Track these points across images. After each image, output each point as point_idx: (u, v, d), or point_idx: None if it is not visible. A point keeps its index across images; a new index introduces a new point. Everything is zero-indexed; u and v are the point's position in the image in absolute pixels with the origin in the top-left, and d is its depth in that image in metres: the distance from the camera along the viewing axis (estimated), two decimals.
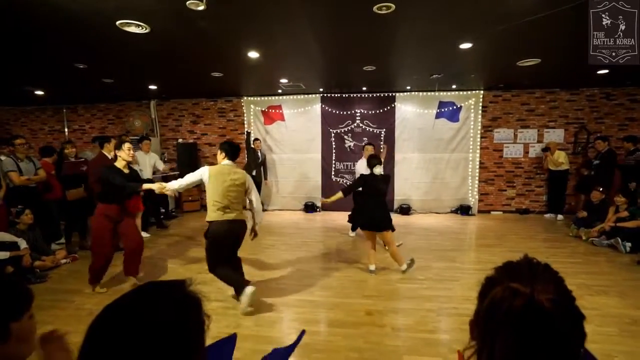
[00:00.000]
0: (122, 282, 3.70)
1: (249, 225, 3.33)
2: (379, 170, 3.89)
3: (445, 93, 7.11)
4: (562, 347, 0.57)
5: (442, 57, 4.75)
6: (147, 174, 5.80)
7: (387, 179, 4.06)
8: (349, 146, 7.49)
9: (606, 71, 5.47)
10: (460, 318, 2.88)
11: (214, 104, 7.98)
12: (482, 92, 7.06)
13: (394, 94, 7.24)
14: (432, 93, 7.10)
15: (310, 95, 7.43)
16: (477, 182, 7.31)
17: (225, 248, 3.15)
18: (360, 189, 3.99)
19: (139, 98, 7.95)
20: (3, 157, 4.34)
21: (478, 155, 7.25)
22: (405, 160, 7.38)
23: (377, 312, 3.03)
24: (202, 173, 3.15)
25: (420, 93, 7.18)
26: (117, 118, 8.34)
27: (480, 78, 6.21)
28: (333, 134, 7.54)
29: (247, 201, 3.37)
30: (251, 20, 3.41)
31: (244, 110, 7.82)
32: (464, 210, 7.22)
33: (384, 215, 3.82)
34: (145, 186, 3.35)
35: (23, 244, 3.74)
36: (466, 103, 7.13)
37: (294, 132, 7.63)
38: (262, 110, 7.71)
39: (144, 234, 5.61)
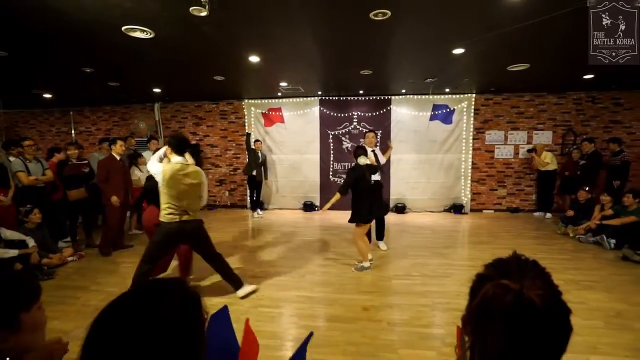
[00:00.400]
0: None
1: None
2: (363, 160, 3.89)
3: (439, 96, 7.29)
4: (550, 340, 0.59)
5: (436, 62, 4.88)
6: None
7: (374, 168, 4.06)
8: (347, 147, 7.63)
9: (592, 76, 5.66)
10: (454, 313, 2.96)
11: (216, 107, 8.12)
12: (474, 95, 7.25)
13: (389, 97, 7.41)
14: (427, 96, 7.26)
15: (309, 98, 7.57)
16: (469, 181, 7.50)
17: (168, 247, 3.10)
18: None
19: (144, 101, 8.06)
20: (12, 158, 4.43)
21: (470, 156, 7.45)
22: (400, 161, 7.55)
23: (374, 307, 3.11)
24: (157, 173, 2.96)
25: (415, 96, 7.35)
26: (122, 120, 8.44)
27: (473, 82, 6.38)
28: (331, 136, 7.69)
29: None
30: (252, 26, 3.49)
31: (245, 113, 7.95)
32: (457, 209, 7.41)
33: (383, 202, 3.95)
34: None
35: (31, 242, 3.82)
36: (459, 106, 7.31)
37: (293, 133, 7.77)
38: (262, 113, 7.84)
39: (137, 232, 5.75)
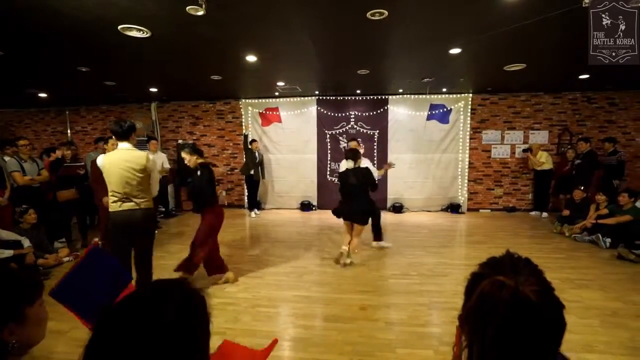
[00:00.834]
0: None
1: None
2: (344, 164, 4.17)
3: (436, 96, 7.31)
4: (546, 334, 0.60)
5: (433, 61, 4.90)
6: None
7: (358, 172, 4.06)
8: (344, 147, 7.62)
9: (587, 76, 5.70)
10: (451, 312, 2.95)
11: (213, 106, 8.10)
12: (471, 95, 7.29)
13: (387, 97, 7.42)
14: (424, 96, 7.29)
15: (306, 98, 7.57)
16: (466, 181, 7.53)
17: (122, 240, 2.90)
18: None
19: (140, 100, 8.03)
20: (7, 158, 4.39)
21: (467, 155, 7.48)
22: (397, 161, 7.48)
23: (371, 307, 3.11)
24: (98, 162, 2.87)
25: (412, 96, 7.37)
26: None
27: (469, 82, 6.41)
28: (328, 135, 7.69)
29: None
30: (249, 26, 3.49)
31: (242, 112, 7.94)
32: (454, 208, 7.44)
33: (359, 209, 4.06)
34: None
35: (26, 242, 3.80)
36: (456, 106, 7.34)
37: (290, 133, 7.77)
38: (259, 112, 7.83)
39: None
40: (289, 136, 7.80)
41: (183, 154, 3.47)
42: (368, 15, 3.21)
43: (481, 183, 7.60)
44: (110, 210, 2.84)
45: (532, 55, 4.54)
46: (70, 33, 3.54)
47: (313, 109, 7.64)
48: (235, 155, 8.17)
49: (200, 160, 3.49)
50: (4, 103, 7.71)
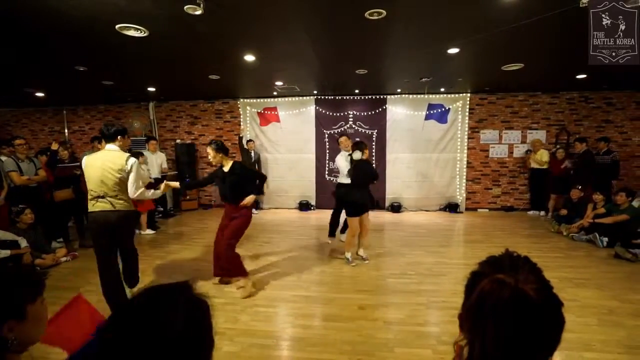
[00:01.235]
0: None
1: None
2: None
3: (434, 96, 7.32)
4: (545, 332, 0.61)
5: (431, 61, 4.91)
6: (154, 173, 5.98)
7: (368, 162, 4.32)
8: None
9: (584, 76, 5.73)
10: (449, 311, 2.97)
11: (211, 106, 8.08)
12: (469, 95, 7.30)
13: (385, 97, 7.43)
14: (422, 96, 7.29)
15: (304, 98, 7.57)
16: (464, 181, 7.55)
17: (99, 240, 2.84)
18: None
19: (138, 100, 8.00)
20: (4, 158, 4.37)
21: (465, 155, 7.50)
22: (396, 160, 7.58)
23: (370, 306, 3.11)
24: (82, 161, 2.91)
25: (411, 95, 7.38)
26: (116, 119, 8.35)
27: (467, 81, 6.43)
28: (327, 135, 7.69)
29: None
30: (248, 25, 3.49)
31: (241, 112, 7.93)
32: (452, 208, 7.45)
33: (369, 196, 4.25)
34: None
35: (24, 242, 3.78)
36: (454, 105, 7.36)
37: (289, 133, 7.76)
38: (258, 112, 7.82)
39: (150, 232, 5.71)
40: (287, 136, 7.79)
41: (208, 149, 3.41)
42: (366, 15, 3.21)
43: (479, 182, 7.62)
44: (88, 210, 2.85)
45: (529, 55, 4.55)
46: (67, 32, 3.53)
47: (311, 109, 7.64)
48: (234, 155, 8.14)
49: (225, 159, 3.46)
50: (0, 102, 7.67)
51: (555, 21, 3.26)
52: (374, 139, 7.57)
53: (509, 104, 7.33)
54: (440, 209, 7.62)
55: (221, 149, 3.42)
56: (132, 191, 2.87)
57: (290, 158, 7.86)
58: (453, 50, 4.32)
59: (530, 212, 7.19)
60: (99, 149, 4.81)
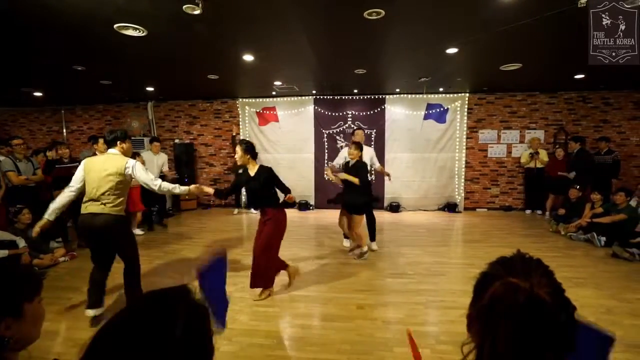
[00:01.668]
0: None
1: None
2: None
3: (433, 95, 7.34)
4: (560, 336, 0.60)
5: (430, 61, 4.92)
6: (154, 174, 5.94)
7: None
8: (341, 146, 7.63)
9: (582, 75, 5.75)
10: (447, 310, 2.98)
11: (210, 106, 8.08)
12: (467, 94, 7.32)
13: (384, 96, 7.44)
14: (421, 95, 7.31)
15: (303, 97, 7.57)
16: (463, 180, 7.57)
17: (88, 244, 2.83)
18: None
19: (137, 99, 7.99)
20: (1, 158, 4.36)
21: (464, 155, 7.51)
22: (395, 160, 7.58)
23: (369, 306, 3.12)
24: (79, 168, 2.85)
25: (409, 95, 7.39)
26: (114, 119, 8.35)
27: (466, 81, 6.45)
28: (325, 135, 7.69)
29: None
30: (246, 25, 3.49)
31: (239, 112, 7.92)
32: (450, 207, 7.47)
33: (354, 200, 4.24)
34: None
35: (22, 242, 3.78)
36: (453, 105, 7.37)
37: (287, 132, 7.76)
38: (256, 112, 7.82)
39: (138, 231, 5.68)
40: (286, 136, 7.79)
41: (237, 148, 3.29)
42: (365, 14, 3.22)
43: (478, 182, 7.64)
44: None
45: (528, 55, 4.57)
46: (66, 32, 3.52)
47: (310, 109, 7.64)
48: (232, 154, 8.15)
49: (252, 162, 3.34)
50: None
51: (553, 21, 3.27)
52: (372, 138, 7.57)
53: (508, 103, 7.35)
54: (438, 209, 7.63)
55: (250, 150, 3.28)
56: (151, 183, 2.85)
57: (289, 158, 7.86)
58: (452, 50, 4.32)
59: (527, 212, 7.22)
60: (95, 150, 4.82)
